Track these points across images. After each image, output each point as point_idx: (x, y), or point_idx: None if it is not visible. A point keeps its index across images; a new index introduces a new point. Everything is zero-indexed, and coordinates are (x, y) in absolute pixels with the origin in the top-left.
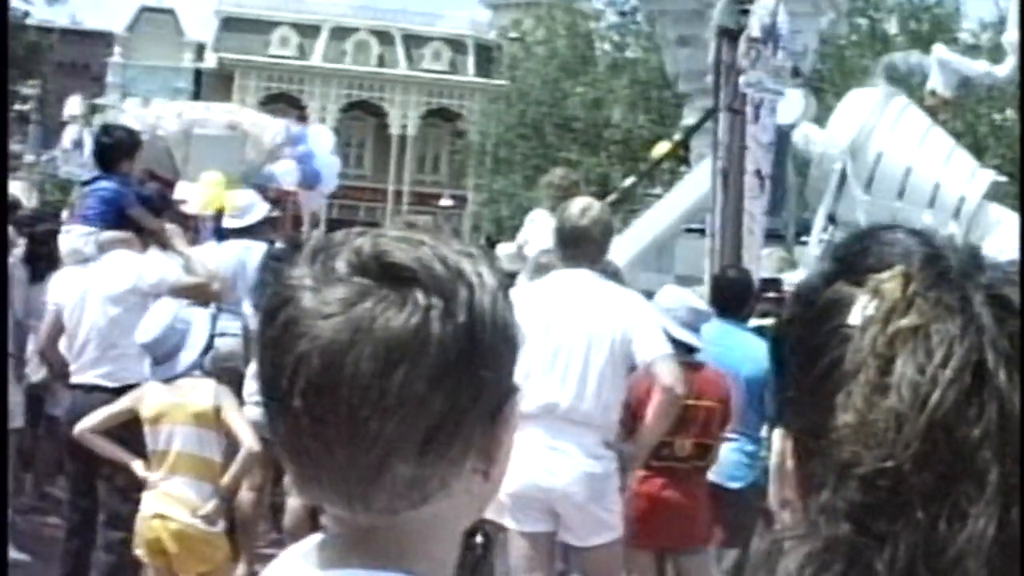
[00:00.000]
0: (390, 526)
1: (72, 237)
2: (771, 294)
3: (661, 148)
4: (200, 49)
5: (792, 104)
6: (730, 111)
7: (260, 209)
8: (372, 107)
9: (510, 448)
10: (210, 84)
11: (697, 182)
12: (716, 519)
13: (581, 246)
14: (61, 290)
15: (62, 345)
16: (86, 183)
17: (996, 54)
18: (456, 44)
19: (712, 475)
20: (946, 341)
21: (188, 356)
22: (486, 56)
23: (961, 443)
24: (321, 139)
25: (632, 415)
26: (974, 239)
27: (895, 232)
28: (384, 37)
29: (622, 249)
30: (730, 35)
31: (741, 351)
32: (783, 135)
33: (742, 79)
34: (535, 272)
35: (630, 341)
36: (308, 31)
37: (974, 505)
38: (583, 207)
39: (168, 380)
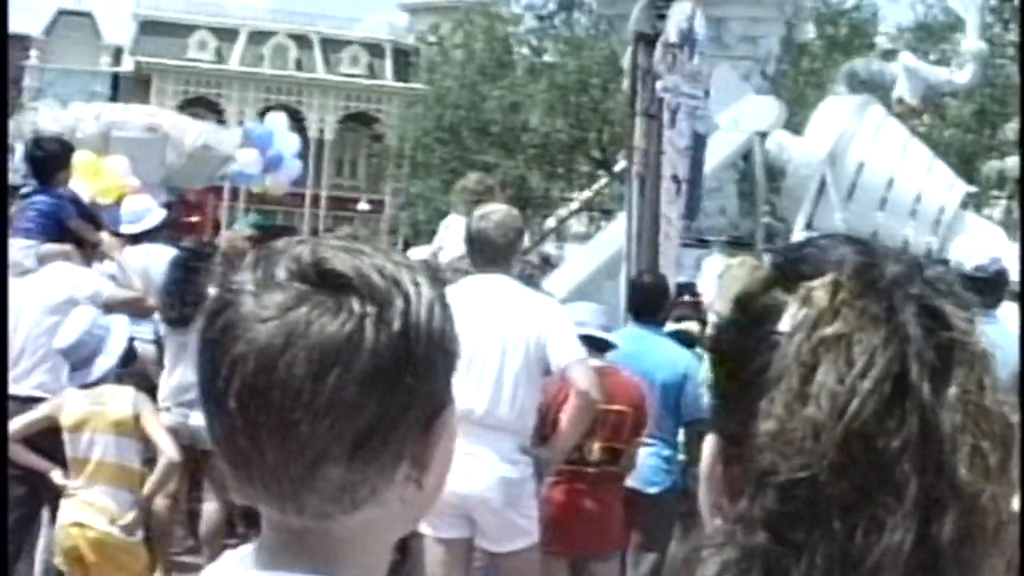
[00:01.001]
0: (321, 531)
1: (13, 250)
2: (686, 298)
3: None
4: (118, 53)
5: (765, 111)
6: (647, 116)
7: (156, 214)
8: (290, 111)
9: (446, 459)
10: (128, 88)
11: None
12: (633, 524)
13: (488, 251)
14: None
15: None
16: (25, 196)
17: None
18: (374, 48)
19: (629, 480)
20: (868, 351)
21: (105, 362)
22: (404, 60)
23: (879, 454)
24: (277, 123)
25: (544, 420)
26: (950, 248)
27: (834, 240)
28: (302, 41)
29: (586, 258)
30: (646, 40)
31: (657, 356)
32: (700, 139)
33: (659, 84)
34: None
35: (544, 345)
36: (226, 35)
37: (892, 516)
38: (489, 212)
39: (85, 386)
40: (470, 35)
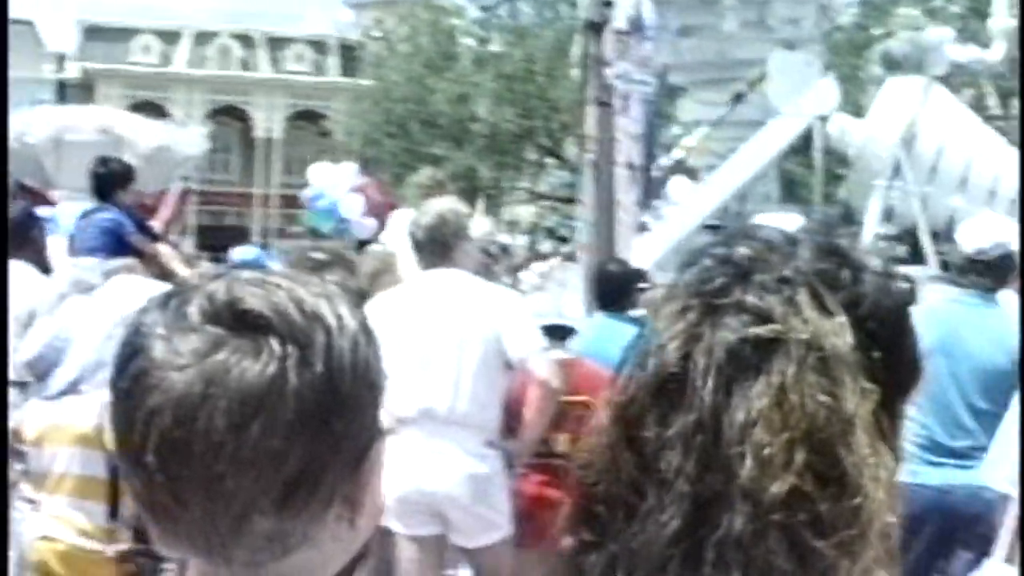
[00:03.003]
0: None
1: (77, 269)
2: (640, 285)
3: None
4: (61, 60)
5: (825, 95)
6: (598, 104)
7: None
8: (237, 111)
9: (378, 492)
10: (73, 94)
11: (719, 183)
12: None
13: (431, 248)
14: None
15: None
16: (84, 215)
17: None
18: (319, 45)
19: None
20: (652, 353)
21: (65, 374)
22: (350, 56)
23: (643, 450)
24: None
25: (509, 413)
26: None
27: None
28: (246, 41)
29: (647, 250)
30: (596, 28)
31: (624, 344)
32: (654, 126)
33: (609, 71)
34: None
35: (501, 338)
36: (170, 37)
37: (661, 510)
38: (427, 209)
39: (47, 399)
40: (415, 28)
